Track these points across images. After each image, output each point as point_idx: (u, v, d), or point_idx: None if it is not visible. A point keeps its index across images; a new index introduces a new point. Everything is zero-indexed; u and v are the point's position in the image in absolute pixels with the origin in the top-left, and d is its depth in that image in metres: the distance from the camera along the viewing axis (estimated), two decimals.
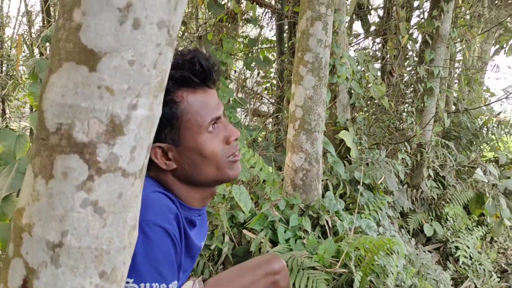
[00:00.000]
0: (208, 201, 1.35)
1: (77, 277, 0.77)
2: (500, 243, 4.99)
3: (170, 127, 1.16)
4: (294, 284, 2.15)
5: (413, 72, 4.89)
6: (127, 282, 1.01)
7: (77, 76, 0.72)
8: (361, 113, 4.35)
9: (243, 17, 4.42)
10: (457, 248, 4.15)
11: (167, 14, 0.74)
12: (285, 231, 2.48)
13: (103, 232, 0.78)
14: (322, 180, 3.09)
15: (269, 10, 4.72)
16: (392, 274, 2.33)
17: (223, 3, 3.95)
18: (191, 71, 1.16)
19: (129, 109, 0.75)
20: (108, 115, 0.73)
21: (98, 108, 0.73)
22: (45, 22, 4.78)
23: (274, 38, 5.13)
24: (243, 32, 5.17)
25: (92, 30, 0.70)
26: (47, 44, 2.64)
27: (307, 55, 2.71)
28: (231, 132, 1.25)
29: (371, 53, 5.52)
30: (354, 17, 5.49)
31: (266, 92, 5.00)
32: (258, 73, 4.62)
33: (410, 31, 5.02)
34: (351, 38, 5.64)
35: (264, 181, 2.69)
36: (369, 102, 4.25)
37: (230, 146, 1.25)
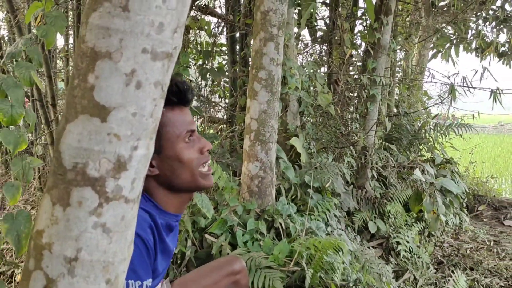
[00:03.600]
0: (184, 207, 1.55)
1: (89, 285, 0.95)
2: (437, 237, 5.37)
3: None
4: (252, 283, 2.37)
5: (357, 79, 5.23)
6: None
7: (91, 126, 0.90)
8: (309, 117, 4.62)
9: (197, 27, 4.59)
10: (398, 243, 4.45)
11: (162, 75, 0.95)
12: (243, 234, 2.70)
13: (110, 248, 0.96)
14: (275, 185, 3.33)
15: (221, 21, 4.91)
16: (339, 270, 2.60)
17: None
18: (170, 91, 1.38)
19: (131, 150, 0.94)
20: (115, 156, 0.92)
21: (108, 151, 0.92)
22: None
23: (225, 43, 5.33)
24: (195, 40, 5.34)
25: (103, 90, 0.89)
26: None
27: (261, 72, 2.95)
28: (204, 144, 1.47)
29: (318, 58, 5.81)
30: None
31: (220, 99, 5.20)
32: (213, 81, 4.82)
33: (354, 40, 5.35)
34: (299, 46, 5.91)
35: (222, 188, 2.90)
36: (317, 110, 4.52)
37: (203, 156, 1.46)
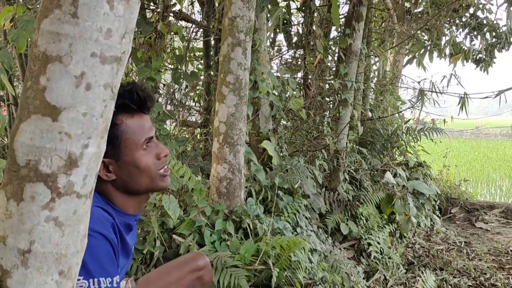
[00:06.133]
0: (143, 207, 1.61)
1: (42, 275, 1.00)
2: (409, 238, 5.48)
3: (111, 145, 1.39)
4: (218, 281, 2.42)
5: (330, 84, 5.33)
6: (78, 280, 1.25)
7: (43, 125, 0.96)
8: (283, 121, 4.70)
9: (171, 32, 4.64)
10: (369, 244, 4.54)
11: (111, 78, 1.01)
12: (211, 235, 2.77)
13: (62, 240, 1.02)
14: (246, 187, 3.40)
15: (196, 27, 4.98)
16: (305, 268, 2.67)
17: (151, 20, 4.17)
18: (130, 99, 1.43)
19: (82, 148, 1.00)
20: (66, 153, 0.98)
21: (59, 148, 0.97)
22: None
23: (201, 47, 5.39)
24: (171, 45, 5.39)
25: (54, 91, 0.95)
26: None
27: (228, 76, 3.03)
28: (161, 150, 1.53)
29: (293, 62, 5.90)
30: (278, 30, 5.85)
31: (194, 103, 5.25)
32: (186, 86, 4.87)
33: (329, 45, 5.45)
34: (274, 50, 6.00)
35: (192, 189, 2.96)
36: (289, 113, 4.60)
37: (160, 161, 1.52)
